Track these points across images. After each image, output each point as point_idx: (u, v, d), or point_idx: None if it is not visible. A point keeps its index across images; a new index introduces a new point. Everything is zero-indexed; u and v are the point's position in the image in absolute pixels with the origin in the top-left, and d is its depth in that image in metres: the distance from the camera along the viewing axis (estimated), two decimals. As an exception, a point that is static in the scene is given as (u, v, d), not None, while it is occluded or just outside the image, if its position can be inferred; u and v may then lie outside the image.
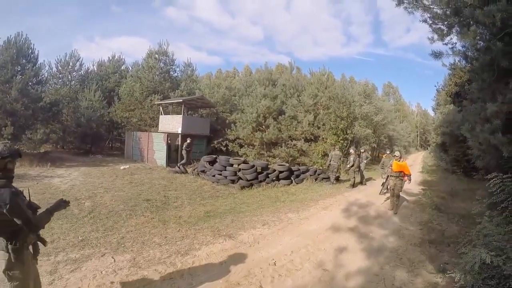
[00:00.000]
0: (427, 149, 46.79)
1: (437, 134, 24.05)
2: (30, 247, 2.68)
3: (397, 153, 8.51)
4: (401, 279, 4.04)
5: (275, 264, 4.36)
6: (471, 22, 4.70)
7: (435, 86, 29.18)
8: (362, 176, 12.55)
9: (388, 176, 8.78)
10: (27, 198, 2.62)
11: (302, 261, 4.51)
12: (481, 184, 10.91)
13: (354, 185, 11.51)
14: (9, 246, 2.43)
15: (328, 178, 12.36)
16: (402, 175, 7.93)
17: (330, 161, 12.12)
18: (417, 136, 62.80)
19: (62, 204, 2.86)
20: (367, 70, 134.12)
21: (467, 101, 14.30)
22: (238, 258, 4.49)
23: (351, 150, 12.28)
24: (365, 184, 12.37)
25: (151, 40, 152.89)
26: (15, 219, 2.38)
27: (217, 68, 48.29)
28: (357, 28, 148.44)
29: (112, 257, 4.37)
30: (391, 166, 8.18)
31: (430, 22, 5.43)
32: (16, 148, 2.64)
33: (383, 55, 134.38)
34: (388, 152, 13.52)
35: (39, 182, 9.56)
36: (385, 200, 8.73)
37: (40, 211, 2.71)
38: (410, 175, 8.07)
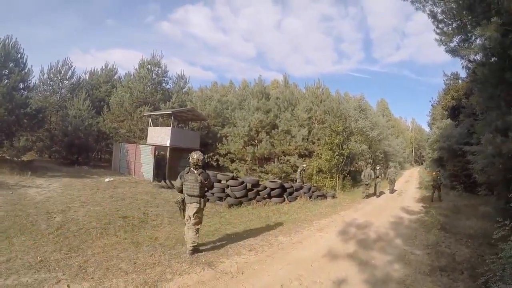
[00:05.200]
0: (421, 164, 46.61)
1: (433, 149, 23.73)
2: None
3: None
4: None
5: (260, 300, 3.60)
6: (493, 13, 4.18)
7: (430, 101, 29.11)
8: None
9: None
10: None
11: (293, 298, 3.75)
12: (484, 200, 10.42)
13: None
14: (201, 200, 4.98)
15: (323, 196, 12.42)
16: None
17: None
18: (412, 152, 62.75)
19: None
20: (362, 87, 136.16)
21: (462, 114, 14.01)
22: (216, 293, 3.76)
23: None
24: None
25: (147, 53, 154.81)
26: (207, 186, 5.06)
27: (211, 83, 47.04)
28: (349, 46, 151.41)
29: (68, 286, 3.67)
30: None
31: (441, 17, 4.93)
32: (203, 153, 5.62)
33: (377, 71, 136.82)
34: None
35: (14, 192, 8.86)
36: None
37: None
38: None
